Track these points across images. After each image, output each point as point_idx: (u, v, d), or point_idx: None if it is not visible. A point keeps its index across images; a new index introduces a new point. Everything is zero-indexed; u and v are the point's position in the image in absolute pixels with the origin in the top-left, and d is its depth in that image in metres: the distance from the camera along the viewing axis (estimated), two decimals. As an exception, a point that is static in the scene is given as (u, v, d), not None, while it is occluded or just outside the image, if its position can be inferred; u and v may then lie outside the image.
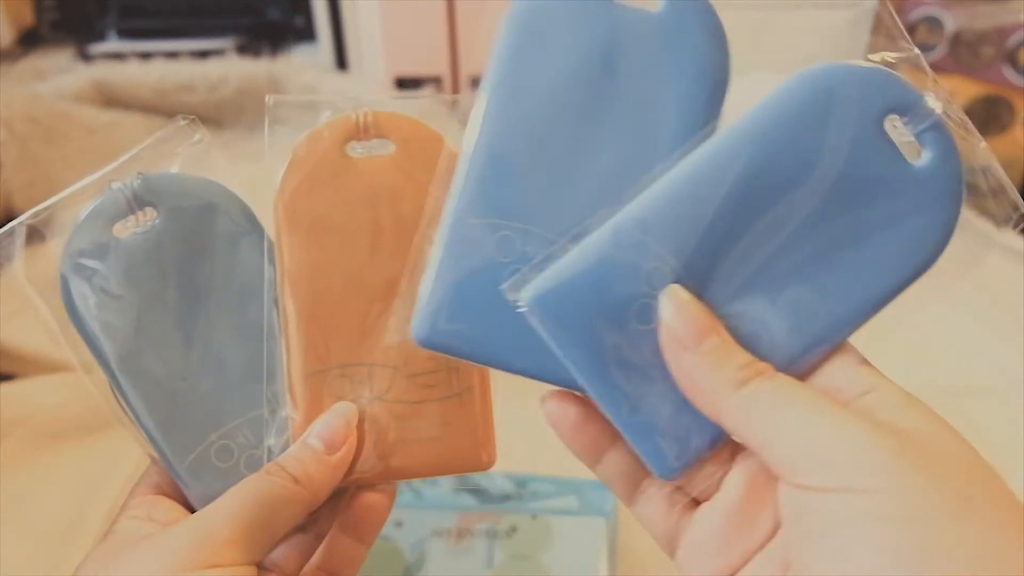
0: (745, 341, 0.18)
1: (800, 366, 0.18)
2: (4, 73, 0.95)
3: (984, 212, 0.18)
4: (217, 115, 0.88)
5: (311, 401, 0.23)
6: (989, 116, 0.82)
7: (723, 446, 0.19)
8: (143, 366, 0.23)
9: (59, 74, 0.89)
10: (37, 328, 0.66)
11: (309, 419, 0.22)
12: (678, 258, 0.17)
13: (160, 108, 0.88)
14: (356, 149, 0.24)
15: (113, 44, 1.01)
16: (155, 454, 0.23)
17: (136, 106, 0.87)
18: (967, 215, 0.17)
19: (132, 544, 0.20)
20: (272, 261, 0.24)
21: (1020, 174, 0.82)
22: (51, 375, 0.54)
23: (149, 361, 0.23)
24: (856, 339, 0.19)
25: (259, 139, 0.89)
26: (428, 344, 0.19)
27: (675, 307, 0.18)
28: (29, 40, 1.06)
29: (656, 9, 0.19)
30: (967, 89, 0.82)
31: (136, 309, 0.23)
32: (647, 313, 0.18)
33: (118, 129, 0.83)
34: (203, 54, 0.92)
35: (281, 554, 0.23)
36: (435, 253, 0.19)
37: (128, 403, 0.23)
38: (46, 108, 0.78)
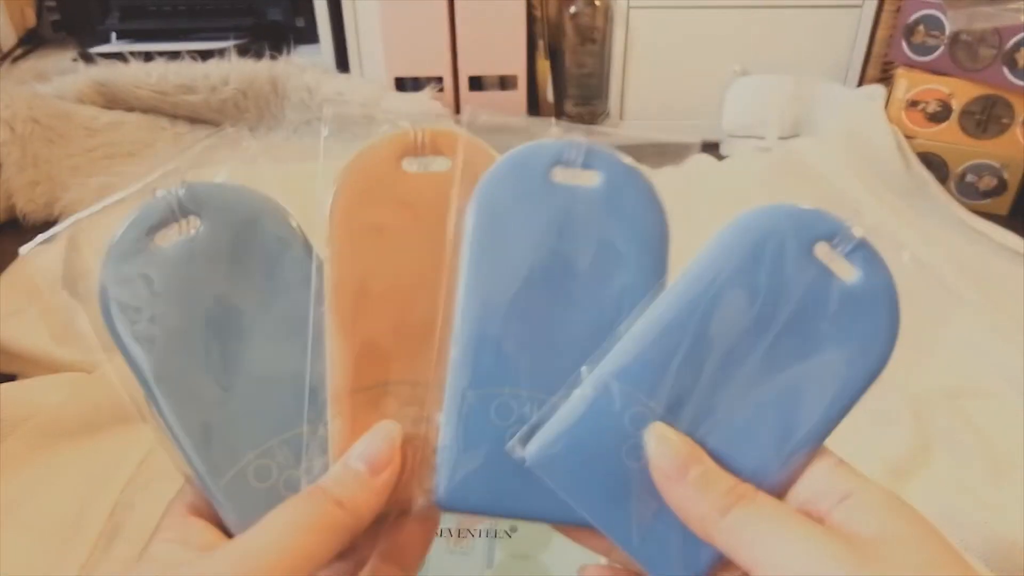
0: (728, 464, 0.20)
1: (782, 476, 0.20)
2: (6, 73, 0.95)
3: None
4: (218, 116, 0.88)
5: (354, 420, 0.22)
6: (988, 117, 0.82)
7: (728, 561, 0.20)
8: (180, 380, 0.22)
9: (60, 75, 0.89)
10: (37, 328, 0.66)
11: (351, 439, 0.22)
12: (656, 399, 0.20)
13: (161, 109, 0.88)
14: (412, 165, 0.23)
15: (114, 45, 1.01)
16: (190, 472, 0.22)
17: (137, 107, 0.87)
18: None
19: (167, 572, 0.19)
20: (319, 273, 0.23)
21: (1019, 176, 0.82)
22: (51, 375, 0.54)
23: (187, 375, 0.22)
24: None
25: (261, 140, 0.89)
26: (450, 509, 0.22)
27: (658, 444, 0.20)
28: (31, 41, 1.06)
29: (593, 184, 0.22)
30: (966, 90, 0.82)
31: (175, 321, 0.22)
32: (637, 452, 0.20)
33: (119, 130, 0.83)
34: (204, 55, 0.92)
35: None
36: (443, 425, 0.21)
37: (164, 418, 0.22)
38: (47, 109, 0.78)
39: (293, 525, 0.19)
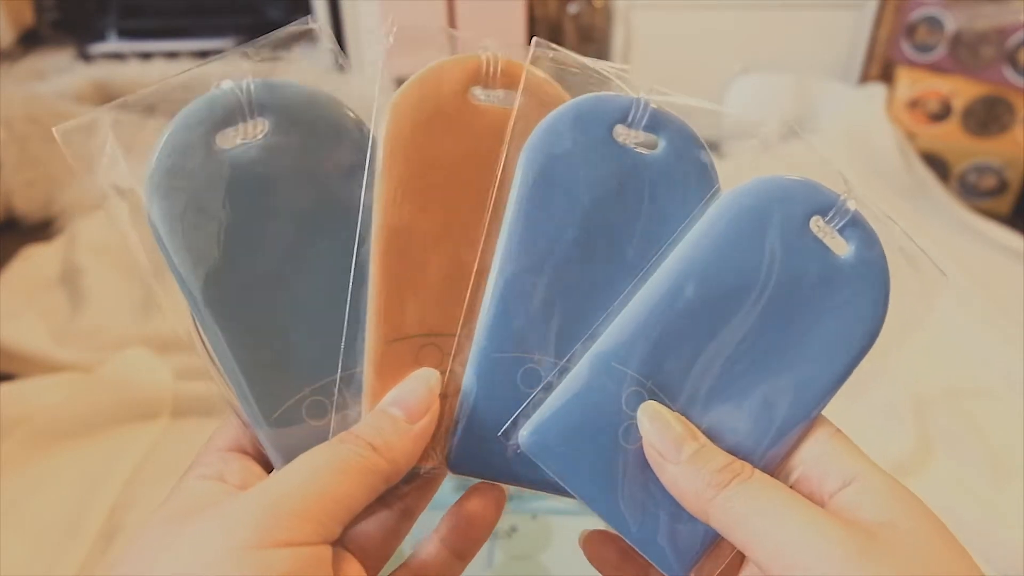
0: (722, 441, 0.19)
1: (777, 452, 0.20)
2: (4, 73, 0.94)
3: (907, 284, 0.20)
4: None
5: (392, 368, 0.20)
6: (989, 116, 0.82)
7: (722, 540, 0.20)
8: (233, 299, 0.19)
9: (59, 74, 0.89)
10: (37, 328, 0.65)
11: (384, 389, 0.20)
12: (650, 378, 0.19)
13: (160, 108, 0.88)
14: (479, 96, 0.21)
15: (113, 44, 1.01)
16: (237, 404, 0.20)
17: (136, 106, 0.87)
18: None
19: (195, 512, 0.17)
20: (367, 208, 0.20)
21: (1020, 174, 0.82)
22: (51, 375, 0.54)
23: (241, 294, 0.19)
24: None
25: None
26: (461, 473, 0.21)
27: (651, 422, 0.19)
28: (29, 40, 1.06)
29: (654, 151, 0.21)
30: (967, 89, 0.82)
31: (232, 233, 0.19)
32: (632, 433, 0.19)
33: (118, 129, 0.83)
34: (203, 54, 0.92)
35: (362, 531, 0.21)
36: (464, 386, 0.20)
37: (211, 340, 0.19)
38: (46, 108, 0.78)
39: (326, 467, 0.18)
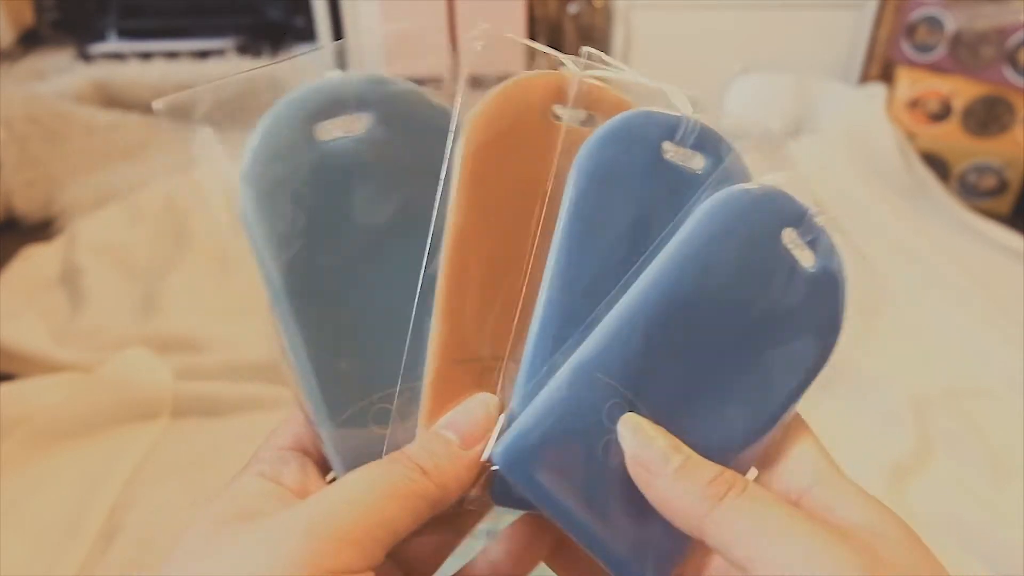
0: (697, 449, 0.19)
1: (749, 457, 0.20)
2: (4, 73, 0.94)
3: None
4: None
5: (452, 389, 0.19)
6: (989, 116, 0.82)
7: (693, 555, 0.20)
8: (314, 293, 0.19)
9: (59, 74, 0.89)
10: (37, 328, 0.65)
11: (445, 408, 0.19)
12: (630, 389, 0.19)
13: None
14: (559, 115, 0.20)
15: (113, 44, 1.01)
16: (306, 403, 0.19)
17: (136, 106, 0.87)
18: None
19: (246, 517, 0.17)
20: (439, 221, 0.20)
21: (1020, 174, 0.82)
22: (51, 375, 0.54)
23: (322, 289, 0.19)
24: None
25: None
26: (501, 504, 0.20)
27: (634, 434, 0.18)
28: (29, 40, 1.06)
29: (698, 168, 0.21)
30: (967, 89, 0.82)
31: (321, 227, 0.19)
32: (614, 448, 0.19)
33: (118, 129, 0.83)
34: (203, 54, 0.92)
35: (409, 548, 0.20)
36: (509, 412, 0.20)
37: (287, 333, 0.19)
38: (46, 108, 0.78)
39: (372, 489, 0.17)
